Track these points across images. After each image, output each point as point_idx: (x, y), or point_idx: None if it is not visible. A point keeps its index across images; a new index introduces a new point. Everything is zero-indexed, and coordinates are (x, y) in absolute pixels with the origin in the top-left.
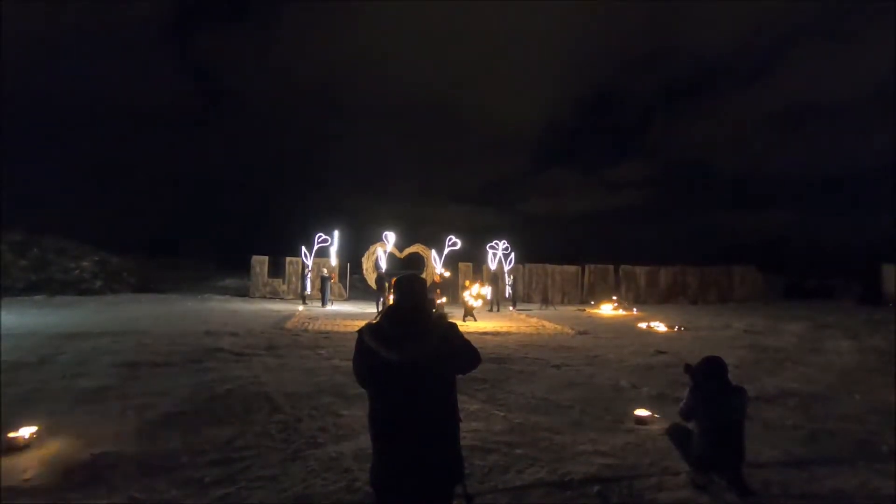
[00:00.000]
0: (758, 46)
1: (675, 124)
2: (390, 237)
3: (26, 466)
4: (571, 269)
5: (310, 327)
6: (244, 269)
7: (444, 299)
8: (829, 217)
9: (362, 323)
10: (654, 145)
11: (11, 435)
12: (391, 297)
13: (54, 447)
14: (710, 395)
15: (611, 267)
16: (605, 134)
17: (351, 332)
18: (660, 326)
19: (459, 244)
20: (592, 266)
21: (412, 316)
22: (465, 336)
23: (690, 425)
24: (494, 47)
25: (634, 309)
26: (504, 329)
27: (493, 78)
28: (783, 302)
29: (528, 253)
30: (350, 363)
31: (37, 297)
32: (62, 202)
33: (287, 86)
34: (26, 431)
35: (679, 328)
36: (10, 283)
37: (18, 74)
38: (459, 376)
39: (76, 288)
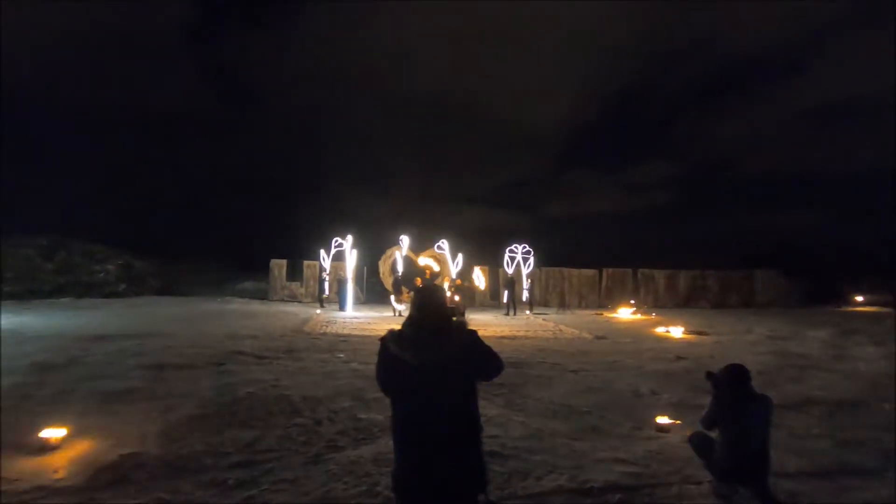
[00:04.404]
0: (792, 41)
1: (702, 123)
2: (405, 241)
3: (57, 466)
4: (589, 272)
5: (328, 330)
6: (263, 272)
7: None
8: (858, 219)
9: (379, 326)
10: (679, 145)
11: (42, 435)
12: (394, 291)
13: (84, 447)
14: (734, 404)
15: (629, 270)
16: (628, 133)
17: (368, 336)
18: (679, 331)
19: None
20: (610, 270)
21: (434, 322)
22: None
23: (713, 434)
24: (517, 47)
25: (653, 313)
26: (521, 333)
27: (515, 78)
28: (808, 307)
29: (545, 256)
30: (368, 367)
31: (64, 300)
32: (88, 206)
33: (307, 88)
34: (57, 432)
35: (699, 333)
36: (37, 286)
37: (44, 79)
38: (479, 383)
39: (101, 290)
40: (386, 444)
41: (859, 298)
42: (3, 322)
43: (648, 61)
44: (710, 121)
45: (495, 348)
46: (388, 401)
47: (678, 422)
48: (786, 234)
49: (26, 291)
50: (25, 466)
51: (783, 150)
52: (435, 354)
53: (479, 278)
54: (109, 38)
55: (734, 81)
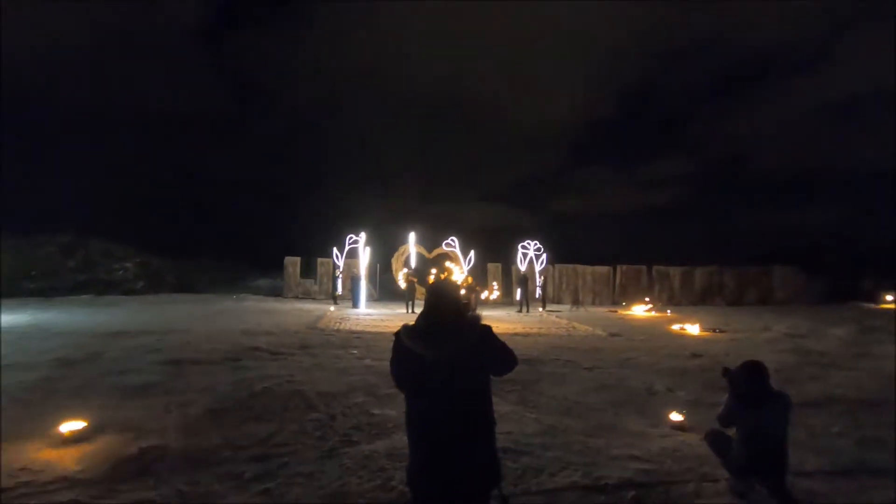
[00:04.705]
0: (810, 34)
1: (717, 118)
2: (412, 237)
3: (80, 458)
4: (603, 269)
5: (341, 327)
6: (278, 269)
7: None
8: (880, 214)
9: (392, 323)
10: (694, 141)
11: (64, 428)
12: (406, 282)
13: (105, 440)
14: (751, 401)
15: (643, 267)
16: (641, 130)
17: (381, 333)
18: (695, 328)
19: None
20: (624, 267)
21: (448, 317)
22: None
23: (730, 431)
24: (529, 43)
25: (668, 310)
26: (534, 330)
27: (527, 75)
28: (828, 304)
29: (558, 253)
30: (381, 363)
31: (84, 297)
32: (107, 205)
33: (318, 87)
34: (78, 425)
35: (715, 330)
36: (59, 283)
37: (60, 81)
38: (492, 379)
39: (120, 288)
40: (400, 440)
41: (889, 297)
42: (27, 319)
43: (661, 57)
44: (725, 117)
45: (508, 345)
46: (401, 396)
47: (693, 419)
48: (805, 229)
49: (49, 288)
50: (49, 458)
51: (799, 145)
52: (448, 349)
53: (495, 288)
54: (126, 40)
55: (749, 77)
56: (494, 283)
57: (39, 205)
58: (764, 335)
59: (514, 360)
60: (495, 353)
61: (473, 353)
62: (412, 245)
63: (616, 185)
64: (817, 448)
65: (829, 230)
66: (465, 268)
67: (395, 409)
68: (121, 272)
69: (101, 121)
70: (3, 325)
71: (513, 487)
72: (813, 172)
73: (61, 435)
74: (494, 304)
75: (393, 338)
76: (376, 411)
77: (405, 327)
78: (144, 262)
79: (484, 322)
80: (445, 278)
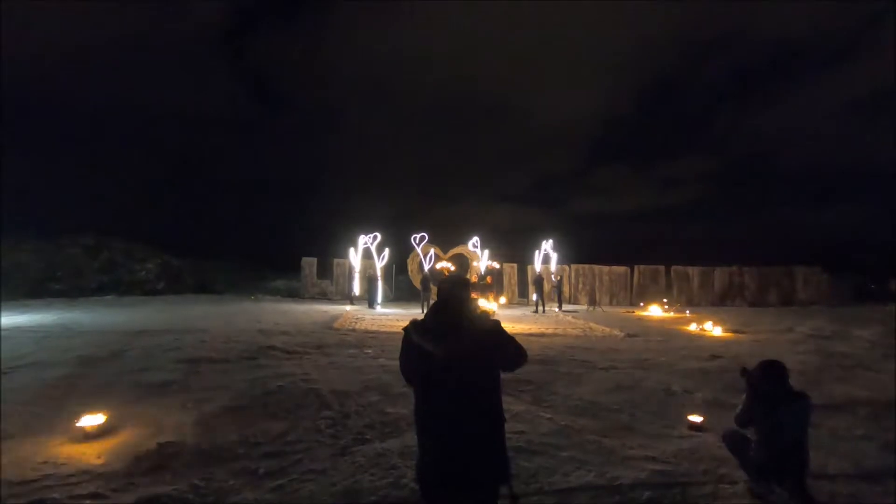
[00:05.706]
0: (836, 29)
1: (741, 115)
2: (417, 238)
3: (100, 452)
4: (620, 269)
5: (357, 327)
6: (295, 270)
7: (487, 302)
8: None
9: (407, 323)
10: (717, 138)
11: (84, 423)
12: (423, 289)
13: (124, 435)
14: (770, 402)
15: (661, 267)
16: (663, 128)
17: (396, 332)
18: (714, 329)
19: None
20: (642, 267)
21: (456, 312)
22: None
23: (749, 432)
24: (549, 40)
25: (687, 311)
26: (550, 331)
27: (547, 73)
28: (854, 305)
29: (576, 253)
30: (395, 363)
31: (107, 297)
32: (129, 207)
33: (337, 87)
34: (97, 419)
35: (737, 331)
36: (83, 284)
37: (80, 84)
38: (504, 376)
39: (142, 288)
40: (412, 438)
41: None
42: (52, 318)
43: (682, 55)
44: (747, 114)
45: (523, 345)
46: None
47: (712, 420)
48: (829, 228)
49: (74, 289)
50: (71, 452)
51: (824, 142)
52: (457, 344)
53: (484, 258)
54: (147, 42)
55: (772, 74)
56: (490, 262)
57: (63, 207)
58: (786, 336)
59: (523, 356)
60: (504, 348)
61: (482, 348)
62: (419, 249)
63: (635, 184)
64: (840, 451)
65: (855, 230)
66: (483, 267)
67: (408, 408)
68: (142, 273)
69: (121, 124)
70: (29, 324)
71: (526, 486)
72: (838, 170)
73: (83, 430)
74: (511, 303)
75: (402, 332)
76: (390, 410)
77: (414, 323)
78: (165, 263)
79: (494, 318)
80: (456, 275)
